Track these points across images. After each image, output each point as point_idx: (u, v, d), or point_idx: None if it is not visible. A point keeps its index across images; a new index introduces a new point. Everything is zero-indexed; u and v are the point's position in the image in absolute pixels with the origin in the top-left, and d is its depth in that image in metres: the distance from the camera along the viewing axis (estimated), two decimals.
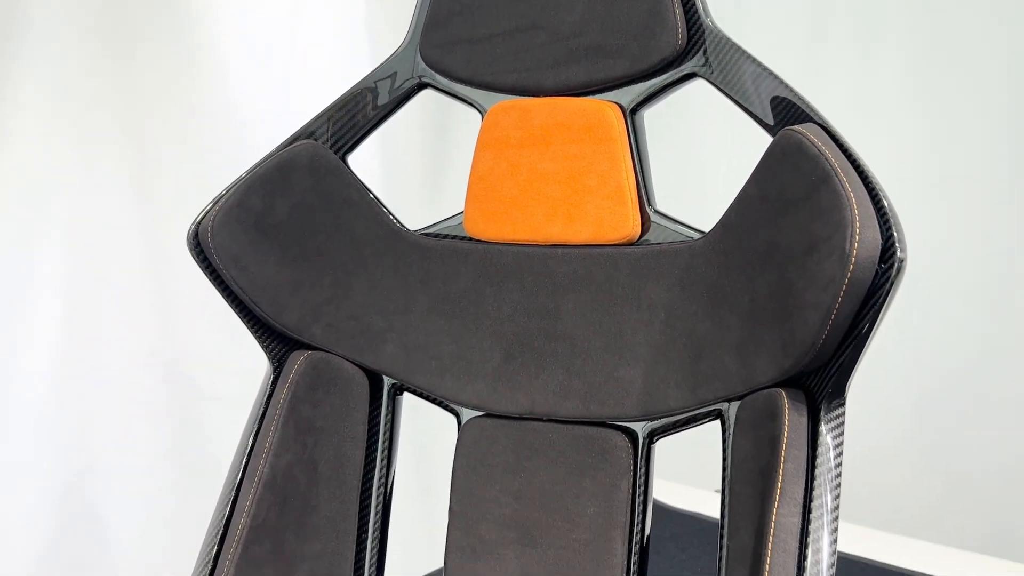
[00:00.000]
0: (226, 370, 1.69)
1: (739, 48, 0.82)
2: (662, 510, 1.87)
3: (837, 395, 0.74)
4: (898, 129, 1.96)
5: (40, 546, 1.55)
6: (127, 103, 1.61)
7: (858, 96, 1.99)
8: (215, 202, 0.87)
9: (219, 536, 0.82)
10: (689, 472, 1.78)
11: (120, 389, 1.64)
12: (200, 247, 0.86)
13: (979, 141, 1.93)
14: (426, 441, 1.76)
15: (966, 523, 1.92)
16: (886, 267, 0.67)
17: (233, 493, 0.85)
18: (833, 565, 0.69)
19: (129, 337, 1.65)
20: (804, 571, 0.68)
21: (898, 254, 0.67)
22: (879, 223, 0.68)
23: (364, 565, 0.95)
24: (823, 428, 0.73)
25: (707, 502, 1.82)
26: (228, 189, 0.88)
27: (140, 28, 1.61)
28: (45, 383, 1.56)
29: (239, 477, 0.86)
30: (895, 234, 0.68)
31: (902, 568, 1.61)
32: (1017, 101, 1.88)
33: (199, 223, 0.87)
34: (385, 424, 0.96)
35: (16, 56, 1.49)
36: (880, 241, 0.67)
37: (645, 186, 0.89)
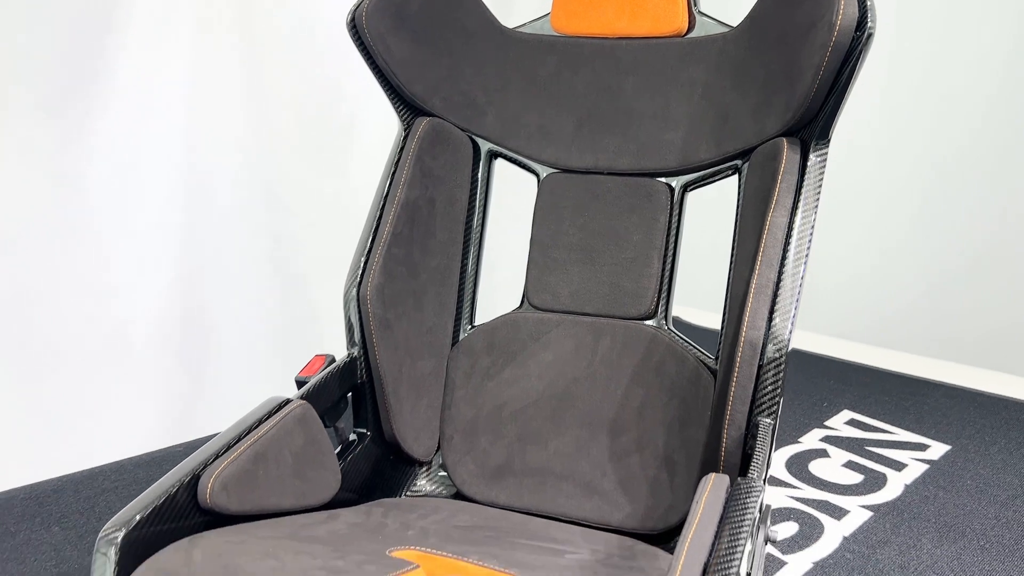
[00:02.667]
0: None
1: None
2: (686, 325, 2.20)
3: (823, 138, 1.02)
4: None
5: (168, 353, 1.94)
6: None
7: None
8: None
9: (371, 238, 1.14)
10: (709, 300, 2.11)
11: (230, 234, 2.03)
12: (356, 29, 1.15)
13: None
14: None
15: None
16: (860, 34, 0.95)
17: (378, 212, 1.16)
18: (808, 251, 0.99)
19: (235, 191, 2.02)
20: (787, 256, 0.98)
21: (869, 23, 0.94)
22: (858, 4, 0.95)
23: (467, 284, 1.27)
24: (811, 161, 1.02)
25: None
26: None
27: None
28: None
29: (382, 202, 1.17)
30: (868, 12, 0.94)
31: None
32: None
33: (354, 11, 1.15)
34: (483, 180, 1.27)
35: None
36: (857, 16, 0.94)
37: None
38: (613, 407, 1.16)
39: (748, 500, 0.82)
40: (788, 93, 1.02)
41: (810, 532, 1.33)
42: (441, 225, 1.23)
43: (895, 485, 1.49)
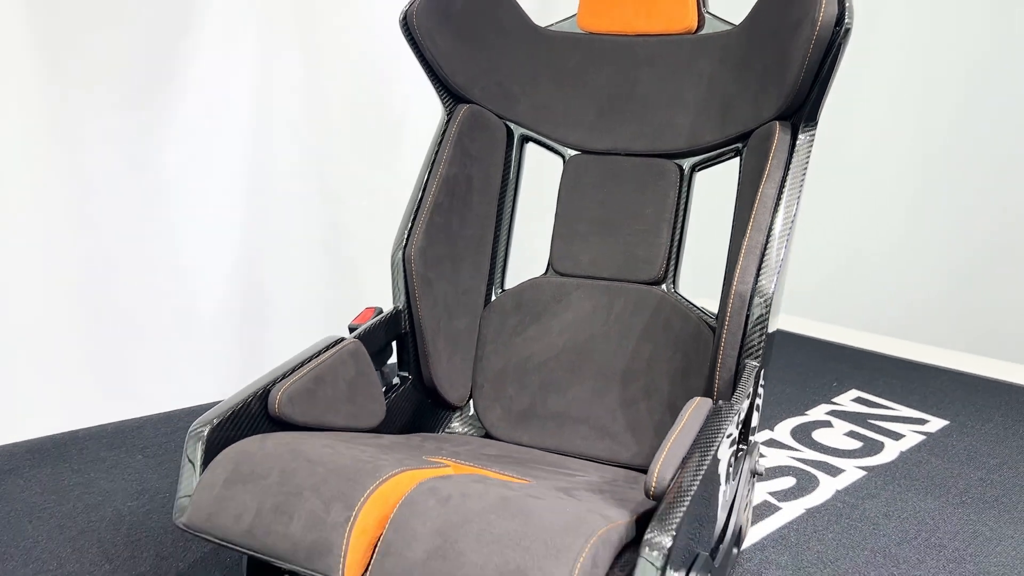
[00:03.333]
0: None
1: None
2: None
3: (810, 121, 1.17)
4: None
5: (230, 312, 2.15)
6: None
7: None
8: None
9: (415, 208, 1.32)
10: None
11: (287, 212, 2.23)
12: (407, 26, 1.32)
13: None
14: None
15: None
16: (839, 29, 1.09)
17: (423, 186, 1.33)
18: (795, 220, 1.14)
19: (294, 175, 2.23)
20: (775, 222, 1.13)
21: (847, 20, 1.09)
22: (838, 2, 1.09)
23: (499, 251, 1.44)
24: (800, 140, 1.17)
25: None
26: None
27: None
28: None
29: (426, 177, 1.34)
30: (847, 10, 1.09)
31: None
32: None
33: (406, 11, 1.33)
34: (515, 162, 1.44)
35: None
36: (837, 13, 1.09)
37: None
38: (624, 360, 1.31)
39: (727, 415, 0.96)
40: (780, 82, 1.17)
41: (806, 485, 1.46)
42: (477, 199, 1.40)
43: (891, 451, 1.61)
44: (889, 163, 2.51)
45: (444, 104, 1.40)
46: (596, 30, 1.38)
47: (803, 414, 1.79)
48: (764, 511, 1.36)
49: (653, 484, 0.84)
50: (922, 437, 1.68)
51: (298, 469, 0.88)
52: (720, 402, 1.01)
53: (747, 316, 1.09)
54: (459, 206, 1.37)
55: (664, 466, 0.86)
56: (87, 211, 1.88)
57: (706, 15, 1.32)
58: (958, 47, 2.34)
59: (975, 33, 2.31)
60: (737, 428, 1.03)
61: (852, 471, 1.52)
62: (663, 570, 0.76)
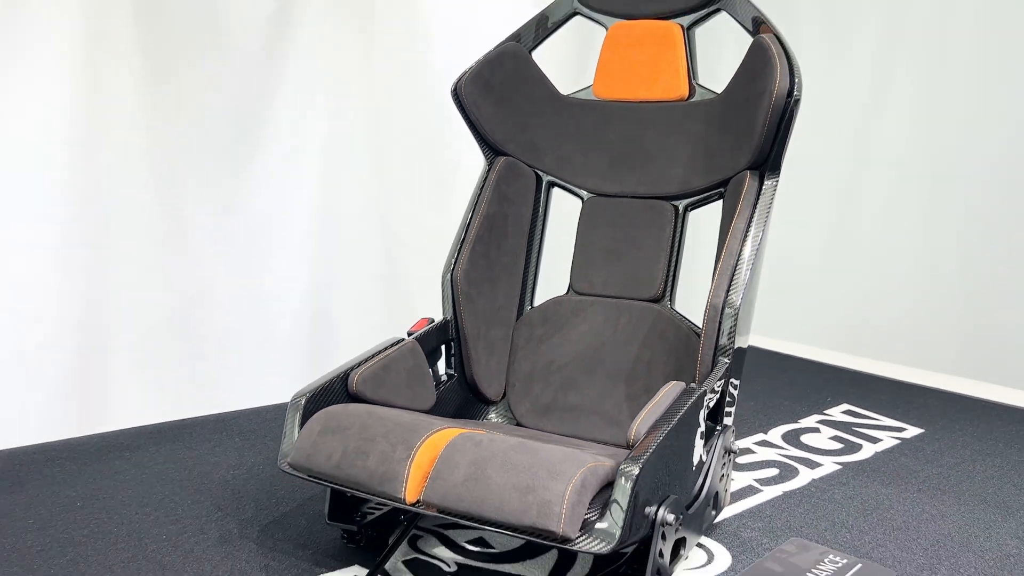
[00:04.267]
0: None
1: None
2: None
3: (774, 170, 1.47)
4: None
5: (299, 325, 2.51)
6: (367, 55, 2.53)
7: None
8: (464, 72, 1.68)
9: (461, 238, 1.64)
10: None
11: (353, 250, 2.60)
12: (457, 95, 1.67)
13: None
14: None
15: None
16: (790, 100, 1.40)
17: (467, 221, 1.66)
18: (759, 247, 1.43)
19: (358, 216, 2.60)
20: (744, 249, 1.42)
21: (795, 94, 1.40)
22: (790, 79, 1.41)
23: (530, 275, 1.76)
24: (765, 186, 1.47)
25: None
26: (471, 65, 1.69)
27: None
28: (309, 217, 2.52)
29: (471, 214, 1.67)
30: (796, 85, 1.40)
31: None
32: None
33: (456, 83, 1.67)
34: (543, 203, 1.76)
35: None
36: (788, 87, 1.40)
37: (692, 68, 1.64)
38: (629, 363, 1.61)
39: (696, 393, 1.26)
40: (749, 140, 1.48)
41: (787, 475, 1.73)
42: (511, 233, 1.73)
43: (867, 451, 1.87)
44: (901, 207, 2.80)
45: (485, 156, 1.73)
46: (608, 97, 1.71)
47: (796, 422, 2.06)
48: (747, 492, 1.64)
49: (631, 435, 1.14)
50: (897, 441, 1.93)
51: (372, 423, 1.20)
52: (692, 384, 1.31)
53: (720, 323, 1.39)
54: (496, 238, 1.70)
55: (642, 423, 1.16)
56: (191, 244, 2.27)
57: (696, 86, 1.65)
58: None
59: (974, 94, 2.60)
60: (707, 406, 1.32)
61: (829, 465, 1.78)
62: (632, 491, 1.05)
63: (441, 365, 1.65)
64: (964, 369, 2.47)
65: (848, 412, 2.14)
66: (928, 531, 1.48)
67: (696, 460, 1.31)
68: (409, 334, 1.56)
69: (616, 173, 1.70)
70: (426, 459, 1.14)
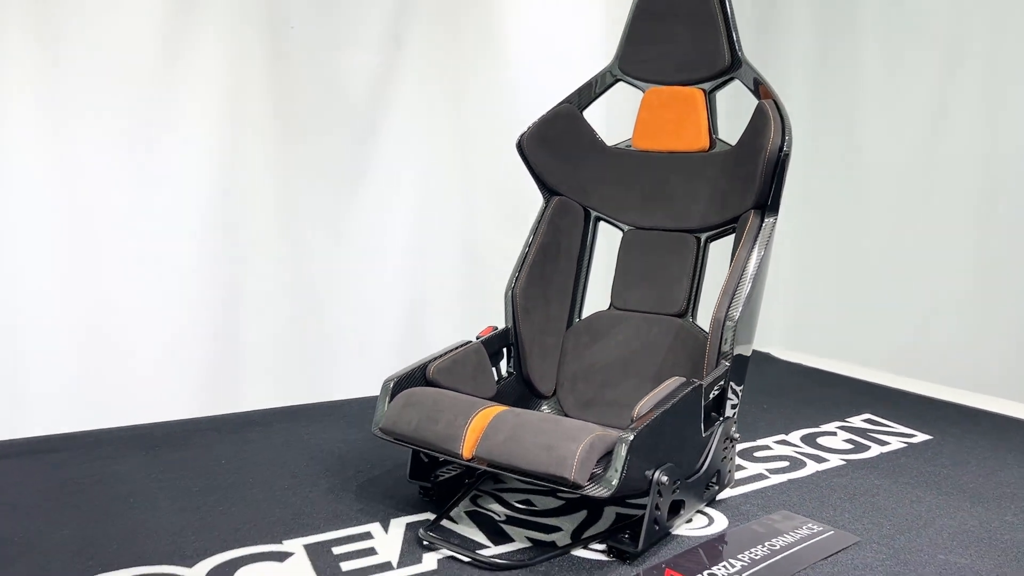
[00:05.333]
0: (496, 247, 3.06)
1: (750, 64, 1.90)
2: (763, 357, 2.90)
3: (773, 210, 1.80)
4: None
5: (397, 335, 2.96)
6: (452, 77, 2.97)
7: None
8: (526, 129, 2.08)
9: (521, 262, 2.04)
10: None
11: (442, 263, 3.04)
12: (521, 148, 2.07)
13: None
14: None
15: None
16: (781, 154, 1.74)
17: (527, 248, 2.05)
18: (755, 274, 1.75)
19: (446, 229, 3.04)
20: (745, 272, 1.75)
21: (785, 149, 1.73)
22: (782, 137, 1.74)
23: (578, 293, 2.13)
24: (766, 223, 1.80)
25: None
26: (532, 123, 2.08)
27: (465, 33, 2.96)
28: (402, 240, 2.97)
29: (530, 242, 2.06)
30: (786, 142, 1.73)
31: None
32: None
33: (520, 138, 2.07)
34: (590, 234, 2.14)
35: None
36: (780, 144, 1.73)
37: (712, 125, 1.99)
38: (656, 366, 1.96)
39: (693, 386, 1.60)
40: (752, 186, 1.82)
41: (795, 467, 2.03)
42: (563, 258, 2.11)
43: (874, 451, 2.14)
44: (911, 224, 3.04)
45: (543, 195, 2.13)
46: (644, 148, 2.08)
47: (817, 427, 2.34)
48: (756, 479, 1.95)
49: (634, 414, 1.50)
50: (904, 444, 2.19)
51: (442, 401, 1.60)
52: (693, 380, 1.66)
53: (722, 334, 1.73)
54: (551, 262, 2.08)
55: (643, 406, 1.52)
56: (309, 266, 2.76)
57: (715, 139, 2.00)
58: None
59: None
60: (707, 397, 1.66)
61: (835, 461, 2.07)
62: (627, 454, 1.41)
63: (503, 365, 2.04)
64: (1012, 392, 2.68)
65: (868, 420, 2.40)
66: (902, 512, 1.76)
67: (694, 438, 1.65)
68: (477, 338, 1.96)
69: (649, 210, 2.06)
70: (479, 426, 1.54)
